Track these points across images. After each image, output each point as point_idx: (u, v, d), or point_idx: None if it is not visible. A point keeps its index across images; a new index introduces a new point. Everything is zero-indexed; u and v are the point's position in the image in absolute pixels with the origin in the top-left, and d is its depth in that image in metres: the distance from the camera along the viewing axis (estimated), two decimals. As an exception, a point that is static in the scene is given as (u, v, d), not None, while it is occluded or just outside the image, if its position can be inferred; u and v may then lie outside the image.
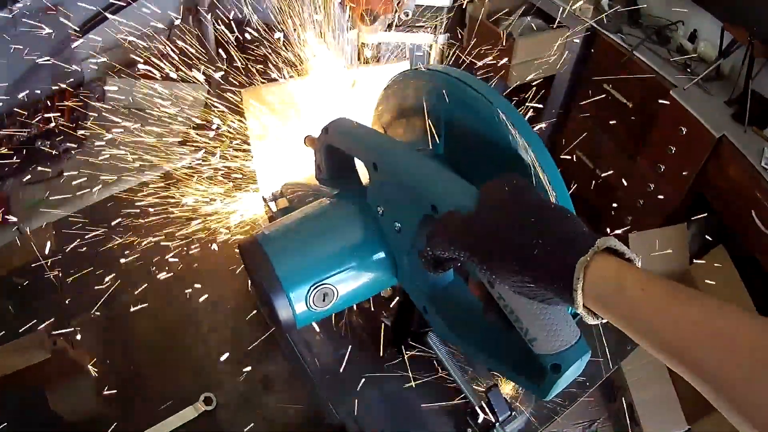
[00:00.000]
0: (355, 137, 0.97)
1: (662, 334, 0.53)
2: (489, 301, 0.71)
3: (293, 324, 0.90)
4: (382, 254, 0.93)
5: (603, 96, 2.51)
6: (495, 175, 0.73)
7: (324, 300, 0.90)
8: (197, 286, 1.58)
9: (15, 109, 2.05)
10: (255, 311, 1.54)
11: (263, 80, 1.53)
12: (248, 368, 1.46)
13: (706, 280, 2.23)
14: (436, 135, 0.95)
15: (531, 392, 0.76)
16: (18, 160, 2.04)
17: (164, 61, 1.68)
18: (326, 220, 0.98)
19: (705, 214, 2.22)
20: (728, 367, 0.49)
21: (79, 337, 1.56)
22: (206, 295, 1.58)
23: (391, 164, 0.87)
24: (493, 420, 1.32)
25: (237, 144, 1.56)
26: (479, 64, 1.73)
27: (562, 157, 1.75)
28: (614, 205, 2.43)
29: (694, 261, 2.41)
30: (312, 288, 0.88)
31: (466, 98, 0.86)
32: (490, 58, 1.73)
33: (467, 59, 1.73)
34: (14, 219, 1.95)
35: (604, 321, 0.59)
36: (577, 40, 2.55)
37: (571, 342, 0.67)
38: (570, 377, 0.70)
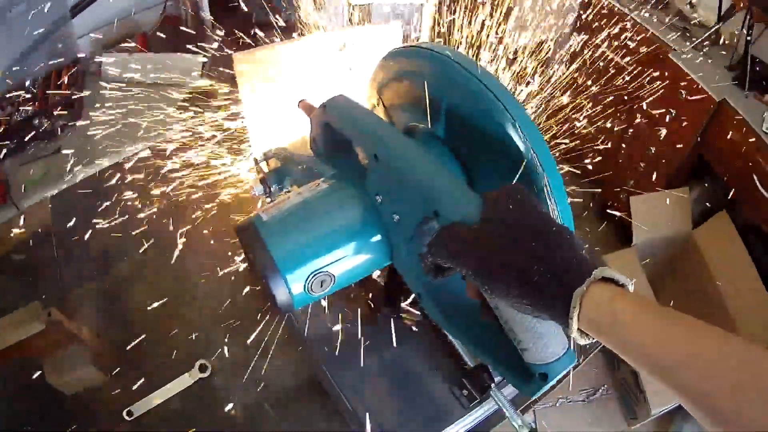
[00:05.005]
0: (355, 122, 0.94)
1: (650, 355, 0.55)
2: (485, 304, 0.73)
3: (291, 307, 0.90)
4: (379, 237, 0.92)
5: (601, 59, 2.48)
6: (495, 172, 0.78)
7: (322, 286, 0.90)
8: (192, 253, 1.58)
9: (11, 88, 2.05)
10: (251, 278, 1.53)
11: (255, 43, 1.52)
12: (243, 334, 1.46)
13: (709, 246, 2.21)
14: (436, 118, 0.93)
15: (516, 388, 0.77)
16: (15, 139, 2.05)
17: (161, 32, 1.67)
18: (324, 205, 0.95)
19: (707, 179, 2.20)
20: (712, 385, 0.50)
21: (74, 308, 1.57)
22: (202, 263, 1.58)
23: (393, 159, 0.85)
24: (489, 381, 1.31)
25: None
26: (472, 27, 1.71)
27: (559, 120, 1.74)
28: (615, 168, 2.41)
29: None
30: (311, 276, 0.88)
31: (468, 88, 0.85)
32: (483, 22, 1.71)
33: (460, 23, 1.71)
34: (12, 196, 1.96)
35: (595, 340, 0.61)
36: (574, 4, 2.52)
37: (559, 354, 0.70)
38: (555, 380, 0.73)
